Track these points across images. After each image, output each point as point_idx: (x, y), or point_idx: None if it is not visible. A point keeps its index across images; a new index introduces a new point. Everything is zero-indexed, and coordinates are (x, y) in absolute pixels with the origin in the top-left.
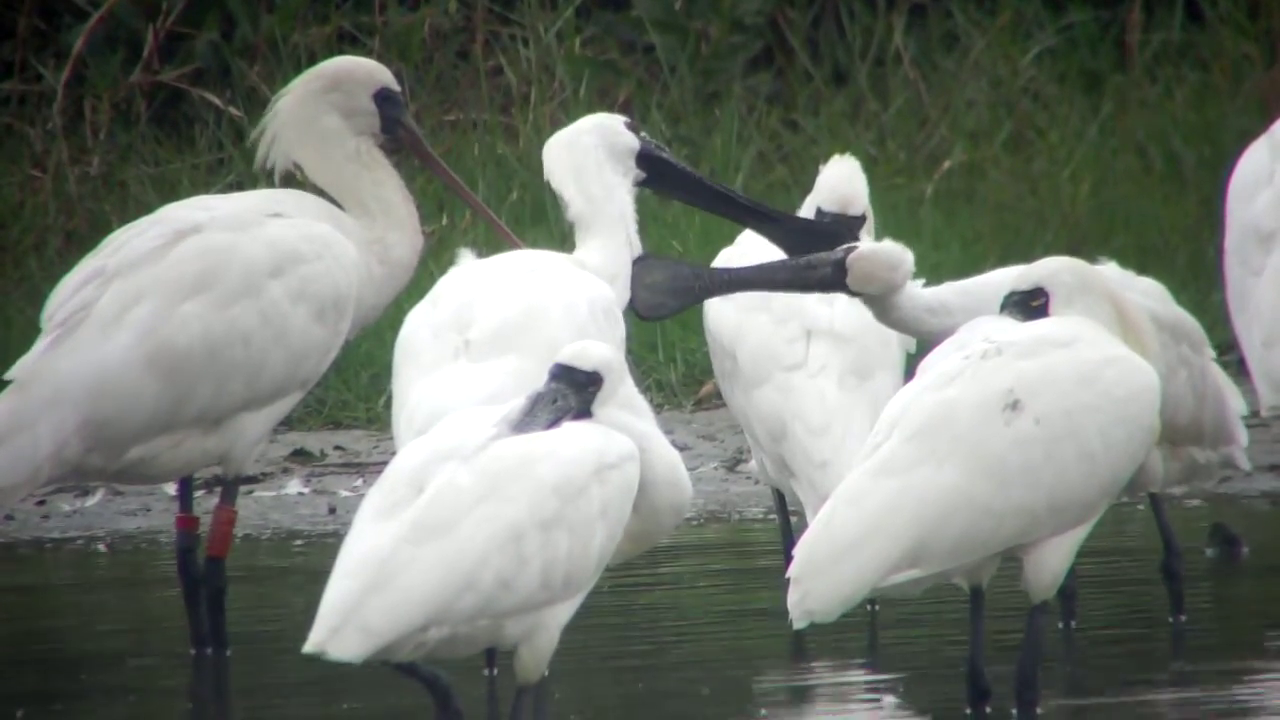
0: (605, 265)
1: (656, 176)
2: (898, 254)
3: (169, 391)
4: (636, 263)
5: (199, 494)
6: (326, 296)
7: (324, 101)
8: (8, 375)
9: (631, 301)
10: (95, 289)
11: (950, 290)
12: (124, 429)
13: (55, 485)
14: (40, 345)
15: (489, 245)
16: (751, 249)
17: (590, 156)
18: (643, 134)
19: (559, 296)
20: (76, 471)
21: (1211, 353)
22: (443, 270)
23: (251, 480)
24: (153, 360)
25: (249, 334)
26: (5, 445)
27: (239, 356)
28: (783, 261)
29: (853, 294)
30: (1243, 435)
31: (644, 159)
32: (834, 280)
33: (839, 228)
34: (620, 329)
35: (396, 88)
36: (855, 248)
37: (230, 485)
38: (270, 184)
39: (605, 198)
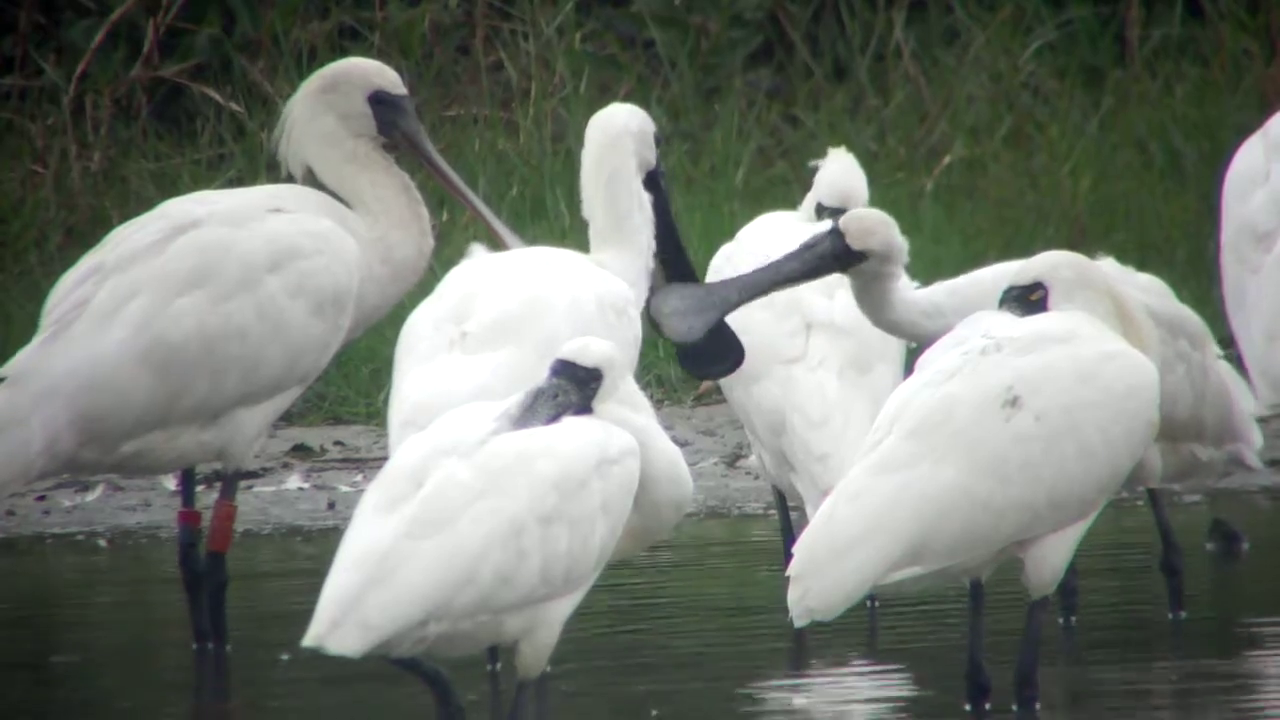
0: (623, 272)
1: None
2: (886, 217)
3: (163, 386)
4: (653, 296)
5: (198, 489)
6: (325, 292)
7: (321, 103)
8: (2, 370)
9: (659, 330)
10: (93, 285)
11: (942, 291)
12: (117, 423)
13: (52, 479)
14: (36, 340)
15: (491, 242)
16: (750, 242)
17: (628, 164)
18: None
19: (565, 291)
20: (71, 465)
21: (1217, 351)
22: (444, 266)
23: (251, 475)
24: (146, 354)
25: (245, 329)
26: None
27: (235, 351)
28: (786, 254)
29: (859, 258)
30: (1254, 434)
31: (650, 179)
32: (835, 247)
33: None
34: (635, 328)
35: (398, 90)
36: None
37: (230, 480)
38: (272, 179)
39: (629, 208)
